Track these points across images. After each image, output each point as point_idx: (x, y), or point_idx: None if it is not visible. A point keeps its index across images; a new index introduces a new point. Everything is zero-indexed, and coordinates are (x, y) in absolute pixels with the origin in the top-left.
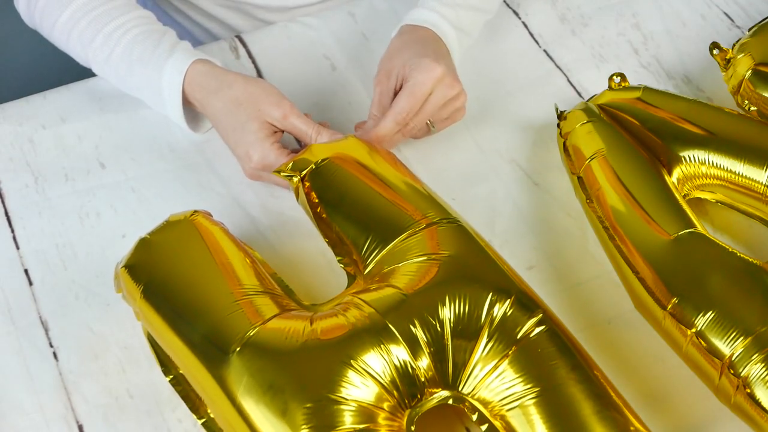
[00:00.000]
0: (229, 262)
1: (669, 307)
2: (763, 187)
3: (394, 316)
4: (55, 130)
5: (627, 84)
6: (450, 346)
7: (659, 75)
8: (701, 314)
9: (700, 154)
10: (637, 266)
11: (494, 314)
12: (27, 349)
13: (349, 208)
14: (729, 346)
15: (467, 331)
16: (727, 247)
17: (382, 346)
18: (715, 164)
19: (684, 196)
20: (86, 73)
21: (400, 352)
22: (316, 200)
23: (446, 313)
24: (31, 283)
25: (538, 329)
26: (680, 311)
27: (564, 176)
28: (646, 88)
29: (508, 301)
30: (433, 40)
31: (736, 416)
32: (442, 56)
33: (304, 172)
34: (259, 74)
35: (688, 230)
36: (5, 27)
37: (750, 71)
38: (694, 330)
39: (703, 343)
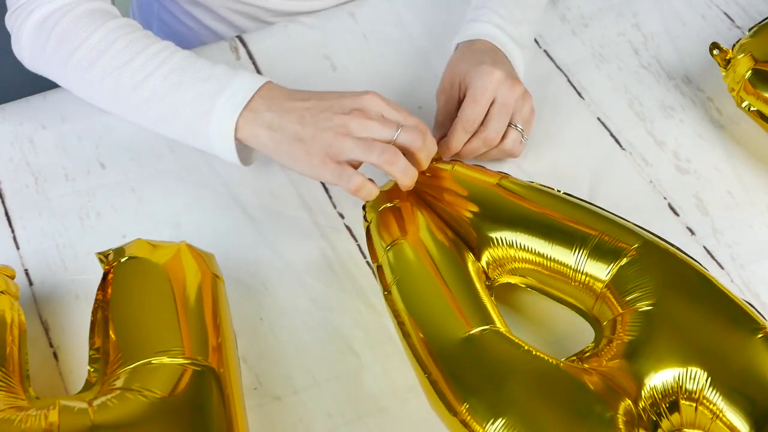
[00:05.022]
0: None
1: (460, 412)
2: (572, 271)
3: None
4: (55, 130)
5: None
6: None
7: (659, 75)
8: (491, 421)
9: (508, 236)
10: (429, 366)
11: None
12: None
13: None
14: None
15: None
16: (523, 344)
17: None
18: (523, 246)
19: (492, 281)
20: None
21: None
22: (109, 297)
23: None
24: (31, 283)
25: None
26: (470, 417)
27: (565, 178)
28: (458, 164)
29: None
30: (491, 50)
31: None
32: (501, 62)
33: (114, 262)
34: (259, 74)
35: (481, 328)
36: (5, 27)
37: (750, 71)
38: None
39: None
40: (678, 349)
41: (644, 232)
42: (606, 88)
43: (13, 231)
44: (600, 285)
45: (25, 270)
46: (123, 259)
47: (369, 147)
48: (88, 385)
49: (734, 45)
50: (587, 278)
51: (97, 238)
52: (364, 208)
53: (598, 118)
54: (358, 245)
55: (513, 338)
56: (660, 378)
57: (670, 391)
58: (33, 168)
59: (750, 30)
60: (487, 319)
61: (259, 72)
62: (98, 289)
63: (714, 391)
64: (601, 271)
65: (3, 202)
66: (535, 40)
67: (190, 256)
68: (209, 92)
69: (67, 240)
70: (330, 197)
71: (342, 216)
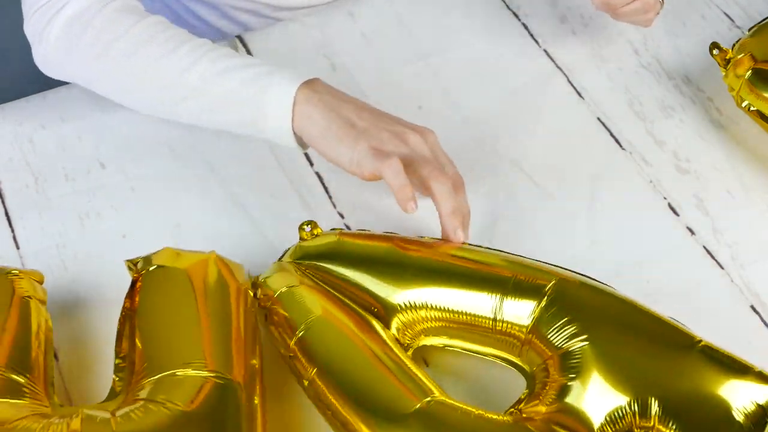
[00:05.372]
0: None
1: None
2: (490, 321)
3: None
4: (55, 130)
5: (319, 231)
6: None
7: (659, 75)
8: None
9: (416, 295)
10: None
11: None
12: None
13: (159, 322)
14: None
15: None
16: (471, 409)
17: None
18: (433, 304)
19: (408, 347)
20: None
21: None
22: (136, 305)
23: None
24: None
25: None
26: None
27: (565, 178)
28: (341, 233)
29: None
30: None
31: None
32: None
33: (143, 270)
34: None
35: (426, 399)
36: (5, 27)
37: (750, 71)
38: None
39: None
40: (620, 381)
41: (556, 268)
42: (606, 88)
43: (13, 231)
44: (523, 330)
45: None
46: (151, 268)
47: (424, 158)
48: (112, 394)
49: (734, 45)
50: (508, 326)
51: (97, 238)
52: (255, 295)
53: (598, 118)
54: None
55: (457, 404)
56: (609, 413)
57: (623, 424)
58: (33, 168)
59: (750, 30)
60: (425, 389)
61: None
62: (126, 297)
63: (666, 415)
64: (521, 317)
65: (3, 202)
66: (535, 40)
67: (218, 267)
68: (263, 73)
69: (67, 240)
70: (330, 197)
71: (342, 216)
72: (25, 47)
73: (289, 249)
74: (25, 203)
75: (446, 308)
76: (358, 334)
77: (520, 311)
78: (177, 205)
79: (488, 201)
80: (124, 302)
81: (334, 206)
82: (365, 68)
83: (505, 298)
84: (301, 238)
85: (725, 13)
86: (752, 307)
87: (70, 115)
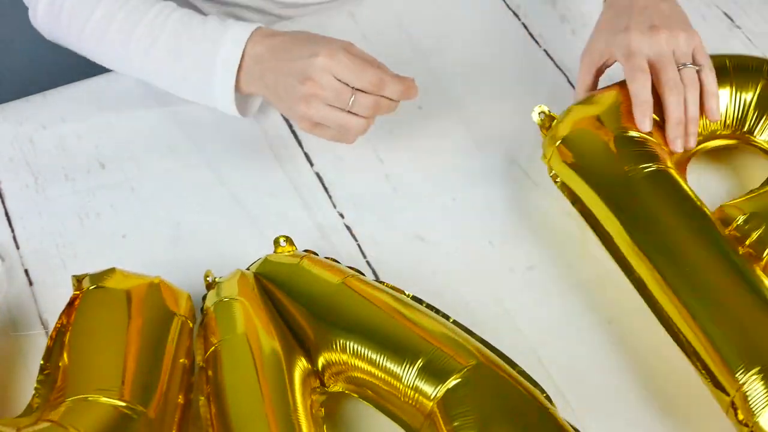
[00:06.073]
0: None
1: None
2: (402, 385)
3: None
4: (55, 130)
5: (292, 249)
6: None
7: None
8: None
9: (345, 341)
10: None
11: None
12: (27, 349)
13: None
14: None
15: None
16: None
17: None
18: (358, 354)
19: (326, 387)
20: (86, 73)
21: None
22: (71, 323)
23: None
24: (31, 283)
25: None
26: None
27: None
28: (305, 258)
29: None
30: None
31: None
32: (637, 14)
33: (85, 288)
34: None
35: None
36: (5, 27)
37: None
38: None
39: None
40: None
41: (484, 349)
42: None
43: (13, 231)
44: (429, 404)
45: (25, 270)
46: (92, 287)
47: (344, 129)
48: (29, 410)
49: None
50: (417, 394)
51: (97, 238)
52: (203, 305)
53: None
54: (358, 245)
55: None
56: None
57: None
58: (33, 168)
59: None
60: None
61: None
62: (62, 313)
63: None
64: (430, 389)
65: (3, 202)
66: (535, 40)
67: (161, 294)
68: (208, 52)
69: (67, 240)
70: (330, 197)
71: (342, 216)
72: (26, 47)
73: (258, 259)
74: (25, 203)
75: (368, 362)
76: (265, 366)
77: (429, 385)
78: (177, 205)
79: (488, 200)
80: (60, 318)
81: (334, 206)
82: None
83: (418, 369)
84: (275, 251)
85: (725, 13)
86: None
87: (70, 115)
